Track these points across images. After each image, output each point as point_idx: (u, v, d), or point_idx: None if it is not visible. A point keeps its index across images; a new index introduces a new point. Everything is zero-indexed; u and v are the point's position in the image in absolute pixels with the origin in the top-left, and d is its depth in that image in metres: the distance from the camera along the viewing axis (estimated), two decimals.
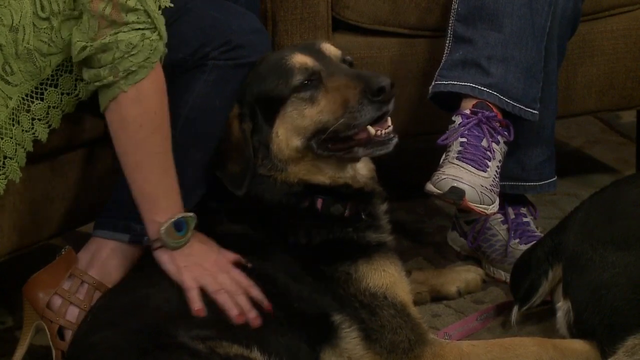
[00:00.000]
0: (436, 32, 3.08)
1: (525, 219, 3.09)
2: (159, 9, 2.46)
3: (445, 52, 2.89)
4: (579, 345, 2.48)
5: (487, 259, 3.07)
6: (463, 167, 2.67)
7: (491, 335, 2.72)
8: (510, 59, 2.80)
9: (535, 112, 2.84)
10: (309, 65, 2.50)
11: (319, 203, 2.51)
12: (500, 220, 3.08)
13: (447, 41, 2.89)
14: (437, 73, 2.87)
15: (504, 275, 2.98)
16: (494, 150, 2.73)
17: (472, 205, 2.64)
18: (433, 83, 2.87)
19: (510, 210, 3.09)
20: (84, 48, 2.34)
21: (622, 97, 3.30)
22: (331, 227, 2.50)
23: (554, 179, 3.09)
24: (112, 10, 2.31)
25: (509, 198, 3.09)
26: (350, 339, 2.46)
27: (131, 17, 2.32)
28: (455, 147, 2.72)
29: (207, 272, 2.42)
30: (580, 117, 3.59)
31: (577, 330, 2.51)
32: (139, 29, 2.33)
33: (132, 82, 2.34)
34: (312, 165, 2.51)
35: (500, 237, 3.07)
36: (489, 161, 2.71)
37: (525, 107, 2.82)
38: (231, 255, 2.47)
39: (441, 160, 2.74)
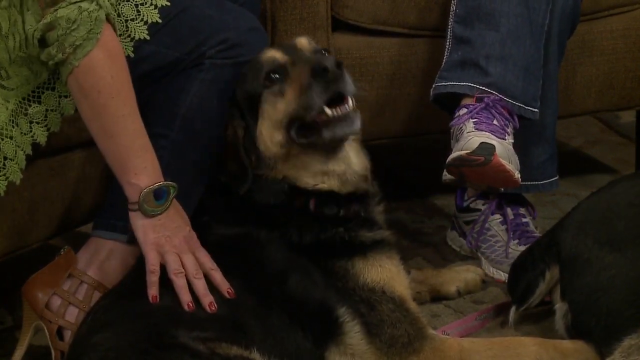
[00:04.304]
0: (436, 32, 3.09)
1: (524, 220, 3.09)
2: (156, 8, 2.47)
3: (446, 53, 2.89)
4: (579, 346, 2.48)
5: (487, 259, 3.07)
6: (484, 133, 2.66)
7: (489, 335, 2.72)
8: (509, 58, 2.80)
9: (536, 110, 2.84)
10: (276, 59, 2.52)
11: (312, 203, 2.51)
12: (499, 220, 3.09)
13: (447, 43, 2.90)
14: (437, 75, 2.88)
15: (503, 276, 2.98)
16: (507, 131, 2.72)
17: (503, 161, 2.61)
18: (434, 85, 2.88)
19: (509, 210, 3.09)
20: (32, 33, 2.35)
21: (622, 97, 3.30)
22: (323, 226, 2.50)
23: (555, 177, 3.09)
24: None
25: (507, 199, 3.09)
26: (354, 334, 2.46)
27: None
28: (469, 125, 2.71)
29: (174, 249, 2.40)
30: (580, 117, 3.59)
31: (575, 331, 2.51)
32: (76, 2, 2.32)
33: (80, 55, 2.34)
34: (299, 161, 2.51)
35: (499, 238, 3.07)
36: (506, 134, 2.70)
37: (525, 105, 2.82)
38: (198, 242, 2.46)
39: (452, 144, 2.72)
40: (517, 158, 2.71)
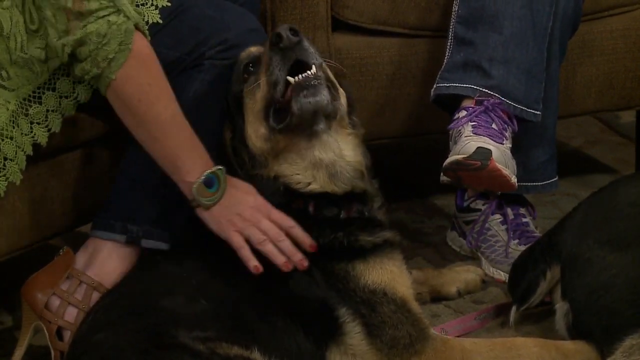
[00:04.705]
0: (436, 32, 3.08)
1: (524, 220, 3.09)
2: (156, 9, 2.47)
3: (447, 54, 2.89)
4: (581, 347, 2.47)
5: (487, 259, 3.07)
6: (482, 138, 2.66)
7: (490, 336, 2.71)
8: (511, 61, 2.80)
9: (538, 112, 2.83)
10: (251, 52, 2.54)
11: (312, 206, 2.51)
12: (499, 220, 3.09)
13: (448, 43, 2.89)
14: (438, 75, 2.87)
15: (503, 276, 2.97)
16: (505, 135, 2.72)
17: (499, 166, 2.61)
18: (435, 85, 2.87)
19: (509, 210, 3.08)
20: (63, 47, 2.35)
21: (622, 97, 3.30)
22: (322, 230, 2.49)
23: (555, 178, 3.09)
24: (74, 2, 2.31)
25: (507, 199, 3.09)
26: (355, 334, 2.45)
27: (93, 5, 2.32)
28: (467, 128, 2.71)
29: (248, 222, 2.44)
30: (580, 117, 3.59)
31: (576, 331, 2.51)
32: (104, 16, 2.33)
33: (115, 68, 2.36)
34: (288, 155, 2.50)
35: (499, 238, 3.07)
36: (504, 139, 2.70)
37: (528, 108, 2.82)
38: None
39: (451, 146, 2.72)
40: (514, 162, 2.71)
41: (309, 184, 2.51)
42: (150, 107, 2.39)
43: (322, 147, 2.50)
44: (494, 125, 2.72)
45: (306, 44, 2.47)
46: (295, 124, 2.46)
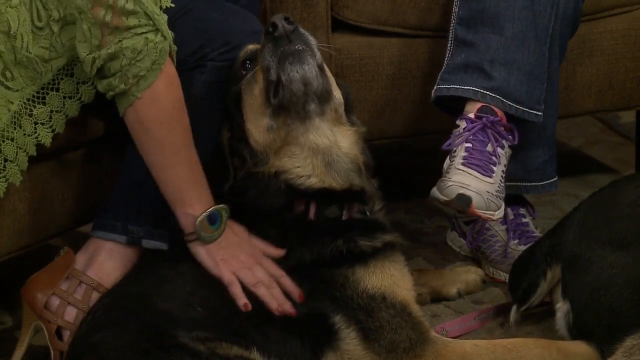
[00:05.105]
0: (436, 33, 3.08)
1: (524, 220, 3.09)
2: (160, 9, 2.46)
3: (447, 55, 2.88)
4: (582, 347, 2.47)
5: (487, 260, 3.07)
6: (469, 173, 2.66)
7: (490, 336, 2.71)
8: (513, 62, 2.79)
9: (539, 113, 2.83)
10: (248, 49, 2.55)
11: (313, 208, 2.51)
12: (499, 220, 3.08)
13: (449, 44, 2.89)
14: (439, 77, 2.87)
15: (504, 276, 2.98)
16: (499, 155, 2.73)
17: (479, 212, 2.64)
18: (435, 87, 2.87)
19: (509, 210, 3.08)
20: (93, 60, 2.34)
21: (622, 98, 3.30)
22: (323, 241, 2.49)
23: (555, 179, 3.09)
24: (113, 16, 2.31)
25: (507, 199, 3.09)
26: (350, 340, 2.45)
27: (132, 21, 2.32)
28: (461, 152, 2.71)
29: (242, 264, 2.45)
30: (580, 117, 3.59)
31: (577, 331, 2.51)
32: (142, 33, 2.33)
33: (143, 87, 2.35)
34: (288, 148, 2.51)
35: (499, 238, 3.07)
36: (495, 166, 2.71)
37: (529, 109, 2.82)
38: (261, 244, 2.50)
39: (445, 165, 2.73)
40: (502, 193, 2.72)
41: (309, 177, 2.51)
42: (170, 131, 2.39)
43: (316, 131, 2.51)
44: (488, 147, 2.72)
45: (302, 30, 2.49)
46: (287, 98, 2.47)
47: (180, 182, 2.43)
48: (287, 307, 2.43)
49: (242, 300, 2.42)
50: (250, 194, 2.52)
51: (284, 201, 2.51)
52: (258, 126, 2.52)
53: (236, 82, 2.56)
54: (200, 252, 2.47)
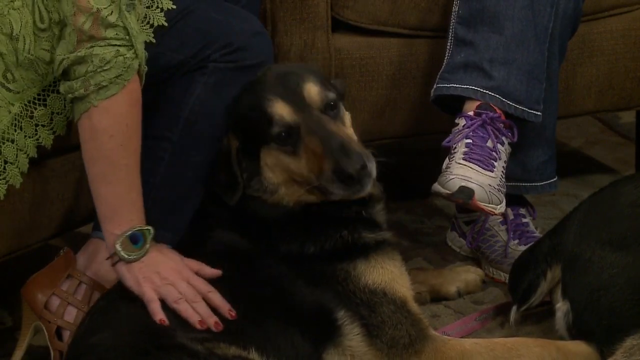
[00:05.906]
0: (436, 33, 3.08)
1: (524, 220, 3.09)
2: (162, 11, 2.46)
3: (447, 54, 2.89)
4: (582, 347, 2.47)
5: (487, 260, 3.07)
6: (470, 167, 2.67)
7: (490, 336, 2.72)
8: (512, 62, 2.80)
9: (539, 113, 2.83)
10: (287, 120, 2.46)
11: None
12: (499, 221, 3.09)
13: (448, 44, 2.89)
14: (438, 76, 2.87)
15: (504, 276, 2.98)
16: (499, 151, 2.73)
17: (481, 204, 2.64)
18: (435, 86, 2.87)
19: (509, 211, 3.08)
20: (61, 60, 2.34)
21: (622, 98, 3.30)
22: (327, 233, 2.49)
23: (555, 179, 3.09)
24: (92, 25, 2.30)
25: (507, 199, 3.09)
26: (353, 336, 2.45)
27: (110, 33, 2.31)
28: (461, 148, 2.71)
29: (166, 280, 2.39)
30: (580, 117, 3.59)
31: (577, 331, 2.51)
32: (115, 45, 2.32)
33: (102, 97, 2.33)
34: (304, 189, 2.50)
35: (499, 238, 3.07)
36: (495, 161, 2.71)
37: (528, 109, 2.82)
38: (194, 264, 2.45)
39: (445, 163, 2.73)
40: (503, 188, 2.72)
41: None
42: (118, 147, 2.35)
43: None
44: (488, 143, 2.72)
45: (370, 168, 2.45)
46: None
47: (115, 201, 2.39)
48: (212, 321, 2.35)
49: (158, 316, 2.34)
50: (259, 211, 2.52)
51: (286, 216, 2.51)
52: (286, 183, 2.50)
53: (259, 134, 2.49)
54: (123, 271, 2.40)
